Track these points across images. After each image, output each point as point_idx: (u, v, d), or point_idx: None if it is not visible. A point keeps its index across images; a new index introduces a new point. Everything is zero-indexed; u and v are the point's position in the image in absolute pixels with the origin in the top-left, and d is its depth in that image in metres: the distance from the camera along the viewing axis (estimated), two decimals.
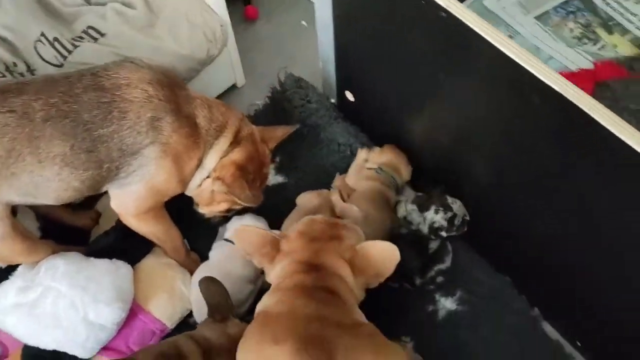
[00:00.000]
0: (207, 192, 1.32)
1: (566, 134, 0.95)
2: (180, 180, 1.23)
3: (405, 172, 1.56)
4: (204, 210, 1.38)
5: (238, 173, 1.26)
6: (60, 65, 1.49)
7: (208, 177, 1.29)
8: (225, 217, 1.49)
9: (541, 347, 1.37)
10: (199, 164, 1.26)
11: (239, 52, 1.87)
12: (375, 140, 1.64)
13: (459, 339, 1.38)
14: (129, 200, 1.22)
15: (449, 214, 1.40)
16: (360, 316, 1.09)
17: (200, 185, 1.29)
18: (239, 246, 1.19)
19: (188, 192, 1.32)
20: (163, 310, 1.35)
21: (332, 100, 1.73)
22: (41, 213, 1.40)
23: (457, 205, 1.41)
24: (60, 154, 1.04)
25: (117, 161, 1.10)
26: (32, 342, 1.25)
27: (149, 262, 1.40)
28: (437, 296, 1.44)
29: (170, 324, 1.36)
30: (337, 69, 1.60)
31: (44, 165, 1.04)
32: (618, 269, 1.07)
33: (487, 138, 1.20)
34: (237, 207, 1.37)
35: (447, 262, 1.48)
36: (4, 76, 1.45)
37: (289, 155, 1.66)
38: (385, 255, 1.11)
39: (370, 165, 1.56)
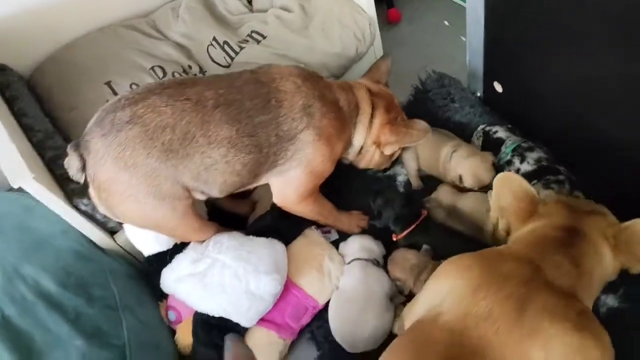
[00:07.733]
0: (369, 157, 1.43)
1: None
2: (333, 160, 1.32)
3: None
4: (363, 166, 1.48)
5: (392, 128, 1.36)
6: (228, 66, 1.67)
7: (361, 150, 1.39)
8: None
9: None
10: (347, 144, 1.35)
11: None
12: (524, 131, 1.57)
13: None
14: (291, 189, 1.32)
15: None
16: (587, 306, 0.96)
17: (355, 154, 1.40)
18: (496, 192, 1.12)
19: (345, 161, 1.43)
20: (313, 286, 1.41)
21: (478, 94, 1.72)
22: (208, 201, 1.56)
23: None
24: (227, 137, 1.15)
25: (274, 146, 1.21)
26: (202, 308, 1.36)
27: (299, 243, 1.49)
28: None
29: (322, 300, 1.42)
30: (486, 60, 1.58)
31: (213, 147, 1.14)
32: None
33: None
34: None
35: None
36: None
37: None
38: None
39: None
